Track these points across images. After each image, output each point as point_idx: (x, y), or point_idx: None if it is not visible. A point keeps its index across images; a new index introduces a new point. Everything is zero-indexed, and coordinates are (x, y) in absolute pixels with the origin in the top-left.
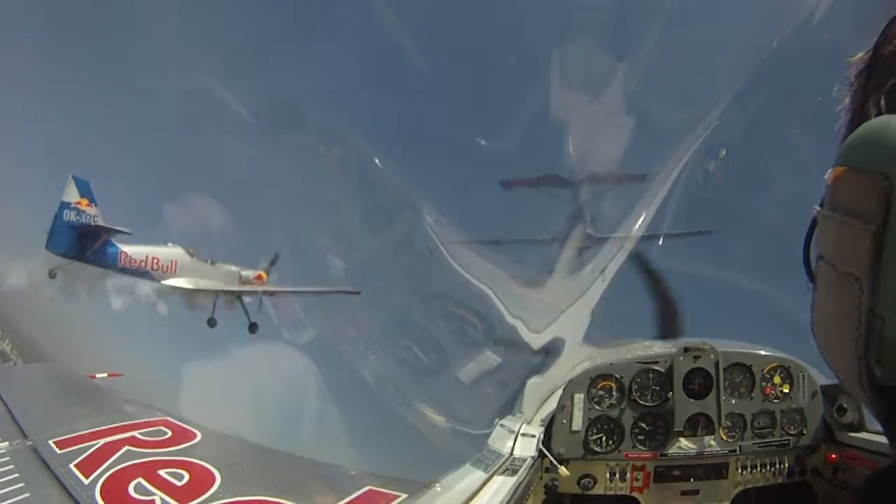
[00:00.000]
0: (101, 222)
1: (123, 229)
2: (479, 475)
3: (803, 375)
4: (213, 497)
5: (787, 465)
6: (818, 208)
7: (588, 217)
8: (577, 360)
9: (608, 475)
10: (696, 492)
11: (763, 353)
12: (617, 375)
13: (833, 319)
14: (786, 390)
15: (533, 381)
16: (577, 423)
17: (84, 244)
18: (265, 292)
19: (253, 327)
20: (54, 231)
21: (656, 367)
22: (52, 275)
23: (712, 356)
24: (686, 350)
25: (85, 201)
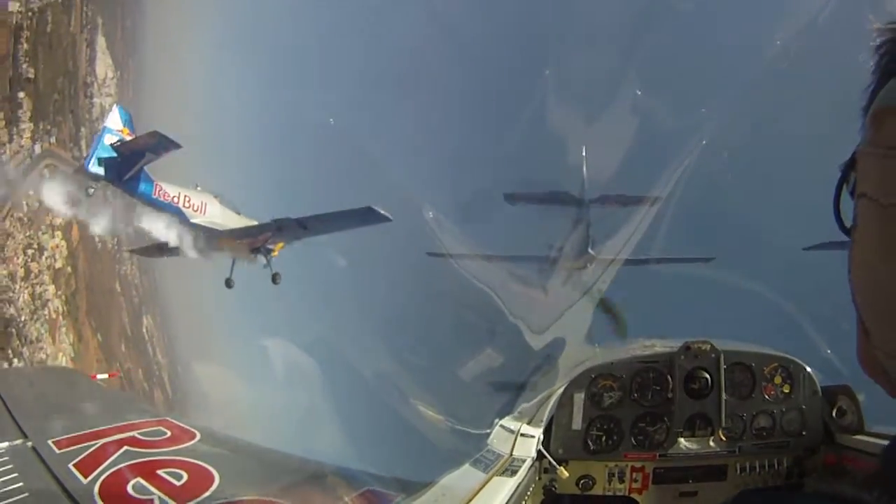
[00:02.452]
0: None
1: (175, 142)
2: (479, 476)
3: (804, 376)
4: (212, 497)
5: (785, 466)
6: (859, 147)
7: (590, 237)
8: (577, 359)
9: (607, 476)
10: (695, 493)
11: (764, 352)
12: (617, 374)
13: (876, 256)
14: (786, 391)
15: (533, 381)
16: (577, 423)
17: (121, 169)
18: (297, 221)
19: (276, 277)
20: (94, 154)
21: (657, 367)
22: (87, 192)
23: (713, 355)
24: (687, 349)
25: (126, 130)
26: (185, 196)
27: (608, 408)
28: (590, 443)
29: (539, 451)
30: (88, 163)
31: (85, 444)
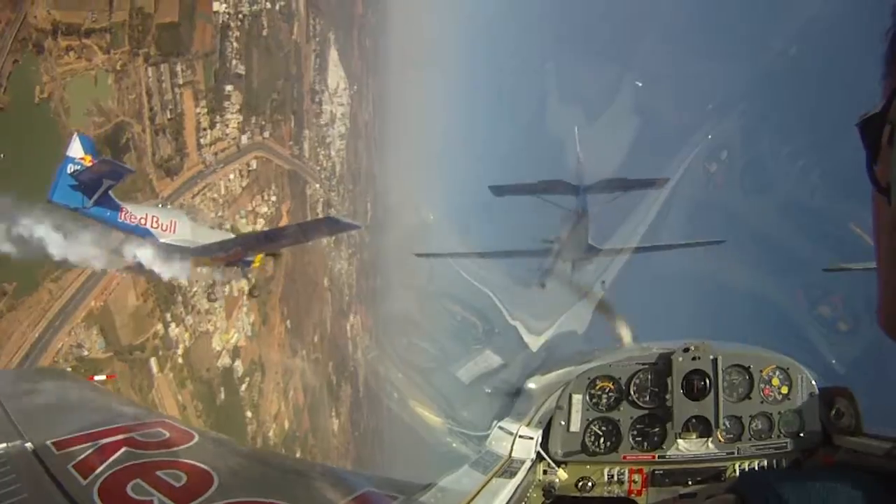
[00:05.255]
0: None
1: (129, 167)
2: (477, 477)
3: (802, 377)
4: (211, 498)
5: (783, 468)
6: None
7: (589, 228)
8: (576, 361)
9: (606, 477)
10: (695, 495)
11: (762, 354)
12: (615, 376)
13: None
14: (784, 392)
15: (532, 382)
16: (576, 425)
17: (85, 195)
18: (257, 235)
19: (253, 290)
20: (58, 184)
21: (655, 368)
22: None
23: (711, 357)
24: (685, 350)
25: (89, 158)
26: (153, 217)
27: (607, 409)
28: (588, 444)
29: (538, 453)
30: (53, 193)
31: (84, 445)
